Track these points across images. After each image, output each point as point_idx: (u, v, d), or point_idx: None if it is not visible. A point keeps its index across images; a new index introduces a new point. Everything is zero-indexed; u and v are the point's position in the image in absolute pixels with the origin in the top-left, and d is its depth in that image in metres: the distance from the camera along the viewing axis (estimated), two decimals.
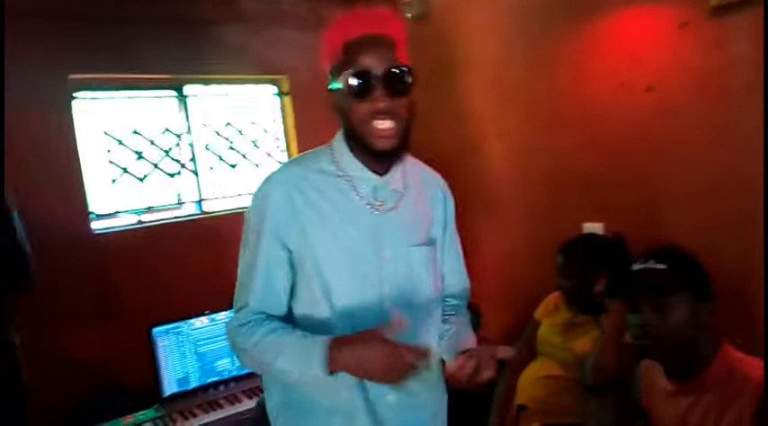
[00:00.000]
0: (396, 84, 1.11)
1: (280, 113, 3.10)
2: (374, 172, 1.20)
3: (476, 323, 2.78)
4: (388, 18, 1.16)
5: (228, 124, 2.91)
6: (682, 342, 1.29)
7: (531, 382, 1.99)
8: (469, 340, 1.26)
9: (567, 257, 1.98)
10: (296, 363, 1.09)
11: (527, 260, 2.57)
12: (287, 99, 3.05)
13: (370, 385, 1.17)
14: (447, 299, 1.37)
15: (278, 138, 3.08)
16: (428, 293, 1.27)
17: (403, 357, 1.02)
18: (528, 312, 2.21)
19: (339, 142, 1.22)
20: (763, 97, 1.59)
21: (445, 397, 1.35)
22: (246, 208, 1.24)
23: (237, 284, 1.22)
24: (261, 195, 1.18)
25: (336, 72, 1.14)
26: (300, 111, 3.01)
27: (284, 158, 3.07)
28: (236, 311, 1.19)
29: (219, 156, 2.87)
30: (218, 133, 2.87)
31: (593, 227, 2.28)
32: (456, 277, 1.39)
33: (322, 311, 1.17)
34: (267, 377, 1.27)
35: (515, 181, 2.62)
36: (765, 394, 1.15)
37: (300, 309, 1.21)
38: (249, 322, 1.16)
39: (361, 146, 1.16)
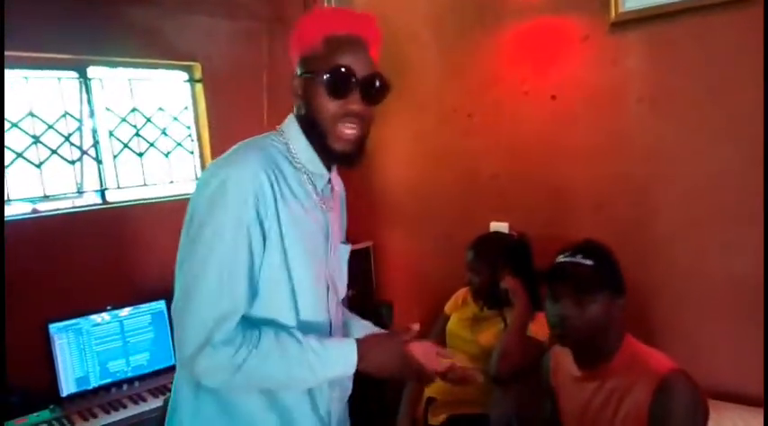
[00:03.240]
0: (371, 91, 1.11)
1: (191, 101, 2.99)
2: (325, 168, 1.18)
3: (389, 317, 2.86)
4: (370, 21, 1.14)
5: (135, 110, 2.77)
6: (594, 335, 1.37)
7: None
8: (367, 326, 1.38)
9: (476, 254, 2.07)
10: (329, 368, 1.07)
11: (438, 256, 2.65)
12: (199, 86, 2.94)
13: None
14: None
15: (189, 127, 2.97)
16: (345, 289, 1.30)
17: (415, 360, 1.12)
18: (439, 306, 2.30)
19: (294, 132, 1.15)
20: (764, 97, 1.65)
21: None
22: (190, 195, 1.07)
23: (202, 290, 1.00)
24: (234, 177, 1.01)
25: (310, 64, 1.10)
26: (213, 100, 2.90)
27: (195, 148, 2.97)
28: (216, 323, 0.99)
29: (125, 144, 2.73)
30: (123, 119, 2.73)
31: (499, 226, 2.40)
32: None
33: (286, 319, 1.09)
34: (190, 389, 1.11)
35: (429, 181, 2.69)
36: (669, 385, 1.27)
37: (260, 312, 1.07)
38: (240, 334, 1.01)
39: (318, 142, 1.13)
